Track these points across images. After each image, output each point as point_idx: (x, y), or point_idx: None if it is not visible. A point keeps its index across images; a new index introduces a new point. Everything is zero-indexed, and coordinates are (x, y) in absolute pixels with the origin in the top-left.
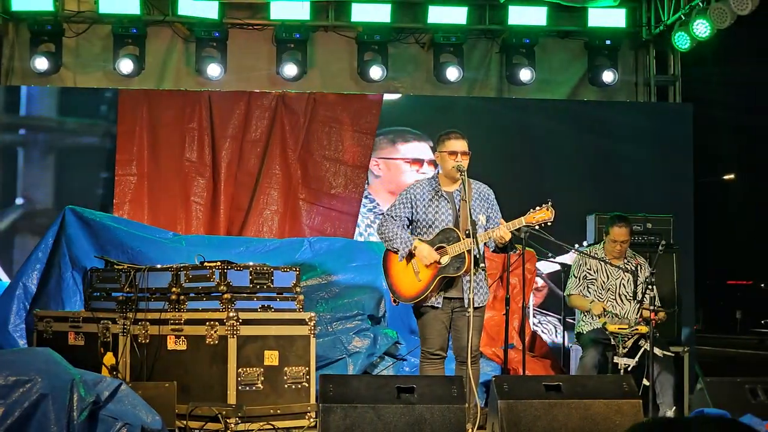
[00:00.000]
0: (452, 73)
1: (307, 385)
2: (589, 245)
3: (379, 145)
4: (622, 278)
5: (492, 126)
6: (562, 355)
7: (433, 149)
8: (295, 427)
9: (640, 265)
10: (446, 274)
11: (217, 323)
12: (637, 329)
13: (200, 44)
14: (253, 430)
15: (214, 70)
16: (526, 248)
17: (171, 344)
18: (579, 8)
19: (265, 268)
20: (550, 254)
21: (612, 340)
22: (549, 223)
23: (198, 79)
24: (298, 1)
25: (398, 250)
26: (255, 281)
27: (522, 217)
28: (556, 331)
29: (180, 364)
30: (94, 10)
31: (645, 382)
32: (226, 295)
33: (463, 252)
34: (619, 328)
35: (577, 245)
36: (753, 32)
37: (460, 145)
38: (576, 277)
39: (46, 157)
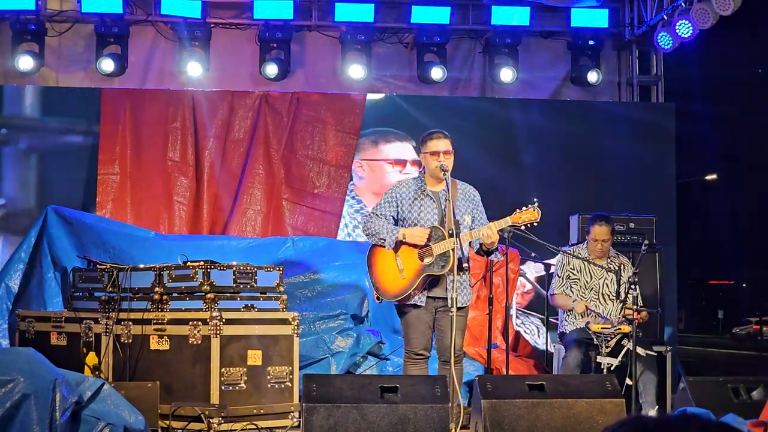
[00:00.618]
0: (436, 73)
1: (290, 384)
2: (573, 245)
3: (362, 146)
4: (605, 278)
5: (475, 126)
6: (546, 354)
7: (418, 150)
8: (278, 427)
9: (623, 265)
10: (431, 272)
11: (200, 323)
12: (619, 329)
13: (183, 44)
14: (236, 430)
15: (197, 69)
16: (510, 248)
17: (154, 344)
18: (562, 8)
19: (248, 268)
20: (534, 254)
21: (595, 339)
22: (535, 224)
23: (181, 78)
24: (282, 1)
25: (385, 240)
26: (238, 281)
27: (508, 217)
28: (538, 332)
29: (163, 363)
30: (77, 9)
31: (628, 381)
32: (209, 295)
33: (448, 251)
34: (602, 328)
35: (563, 247)
36: (735, 33)
37: (442, 144)
38: (560, 277)
39: (28, 156)
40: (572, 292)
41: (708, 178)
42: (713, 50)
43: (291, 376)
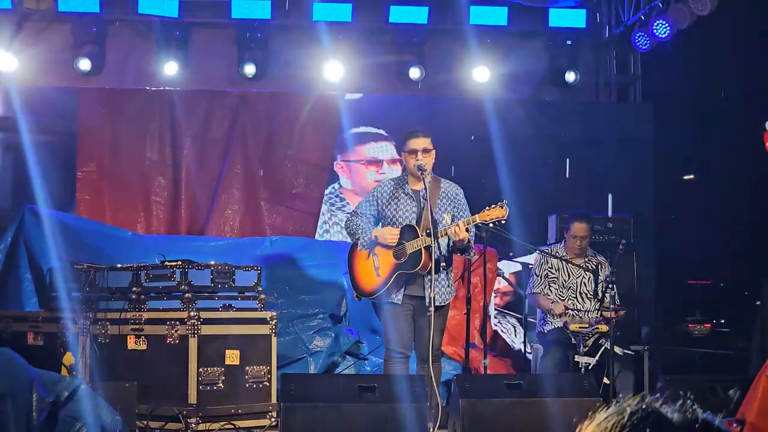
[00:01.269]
0: (414, 73)
1: (268, 384)
2: (551, 245)
3: (341, 147)
4: (583, 277)
5: (453, 126)
6: (524, 354)
7: (399, 149)
8: (256, 427)
9: (601, 264)
10: (403, 270)
11: (177, 323)
12: (597, 328)
13: (161, 43)
14: (214, 429)
15: (174, 69)
16: (488, 247)
17: (131, 344)
18: (539, 8)
19: (226, 268)
20: (511, 253)
21: (573, 338)
22: (503, 221)
23: (159, 78)
24: (260, 0)
25: (359, 239)
26: (216, 280)
27: (476, 215)
28: (515, 331)
29: (140, 363)
30: (54, 8)
31: (605, 380)
32: (187, 295)
33: (421, 249)
34: (580, 327)
35: (541, 246)
36: (712, 33)
37: (420, 143)
38: (538, 276)
39: (4, 156)
40: (551, 291)
41: (686, 177)
42: (691, 51)
43: (269, 376)
